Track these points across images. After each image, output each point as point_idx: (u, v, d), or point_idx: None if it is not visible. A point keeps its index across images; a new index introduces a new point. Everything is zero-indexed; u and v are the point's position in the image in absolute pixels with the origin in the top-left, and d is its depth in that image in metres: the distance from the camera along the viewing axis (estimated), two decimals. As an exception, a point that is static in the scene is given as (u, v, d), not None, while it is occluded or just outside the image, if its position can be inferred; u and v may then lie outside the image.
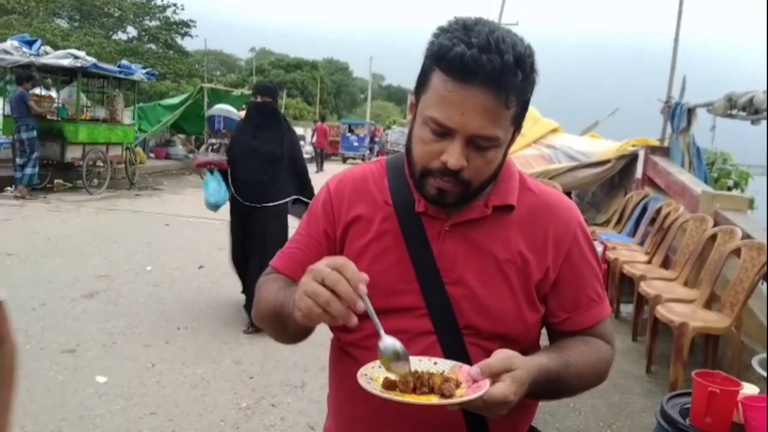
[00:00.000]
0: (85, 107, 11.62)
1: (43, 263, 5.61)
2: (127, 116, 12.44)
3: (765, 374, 2.34)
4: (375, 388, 0.91)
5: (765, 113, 5.17)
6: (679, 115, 6.94)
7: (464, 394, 0.91)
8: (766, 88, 5.12)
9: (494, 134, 0.99)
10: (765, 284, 3.72)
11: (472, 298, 1.07)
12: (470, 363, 1.06)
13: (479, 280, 1.08)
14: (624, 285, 5.05)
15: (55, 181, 10.92)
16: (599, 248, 4.51)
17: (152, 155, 16.12)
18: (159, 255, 6.27)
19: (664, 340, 4.07)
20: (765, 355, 2.55)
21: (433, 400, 0.90)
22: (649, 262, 5.03)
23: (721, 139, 7.00)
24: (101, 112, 11.70)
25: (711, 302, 3.86)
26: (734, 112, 5.74)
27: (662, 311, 3.67)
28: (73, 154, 10.38)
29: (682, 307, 3.75)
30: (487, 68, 0.93)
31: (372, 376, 0.95)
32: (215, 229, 8.04)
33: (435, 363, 0.99)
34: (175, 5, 27.57)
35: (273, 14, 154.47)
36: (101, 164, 11.22)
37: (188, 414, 3.07)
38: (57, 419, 2.90)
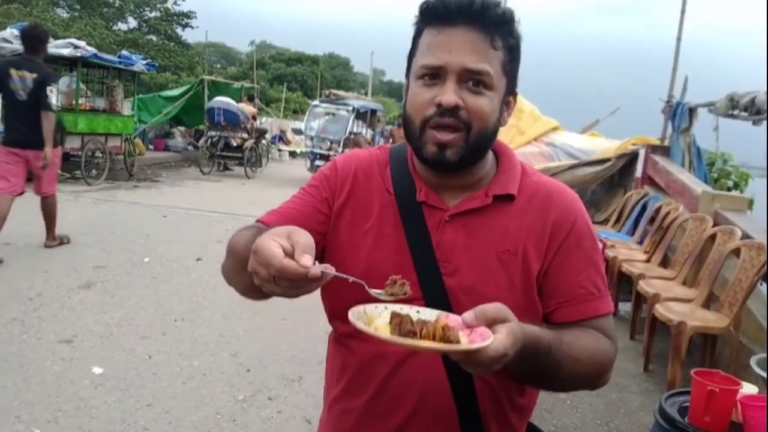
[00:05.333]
0: (85, 97, 11.57)
1: (40, 253, 5.59)
2: (126, 107, 12.39)
3: (763, 374, 2.34)
4: (375, 330, 0.81)
5: (766, 114, 5.16)
6: (680, 114, 6.94)
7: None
8: (767, 89, 5.11)
9: (484, 68, 1.01)
10: (764, 284, 3.72)
11: (470, 290, 1.05)
12: None
13: (478, 272, 1.06)
14: (622, 283, 5.05)
15: (54, 171, 10.90)
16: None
17: (151, 147, 16.04)
18: (157, 246, 6.26)
19: (662, 339, 4.07)
20: (763, 355, 2.55)
21: (439, 346, 0.80)
22: (648, 260, 5.03)
23: (724, 139, 6.98)
24: (101, 103, 11.65)
25: (709, 302, 3.86)
26: (736, 112, 5.73)
27: (661, 310, 3.66)
28: (71, 144, 10.32)
29: (680, 306, 3.74)
30: (471, 8, 1.00)
31: (368, 316, 0.85)
32: (213, 222, 8.03)
33: (418, 311, 0.89)
34: (175, -4, 27.51)
35: (275, 8, 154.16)
36: (100, 155, 11.17)
37: (184, 406, 3.06)
38: (53, 409, 2.89)
